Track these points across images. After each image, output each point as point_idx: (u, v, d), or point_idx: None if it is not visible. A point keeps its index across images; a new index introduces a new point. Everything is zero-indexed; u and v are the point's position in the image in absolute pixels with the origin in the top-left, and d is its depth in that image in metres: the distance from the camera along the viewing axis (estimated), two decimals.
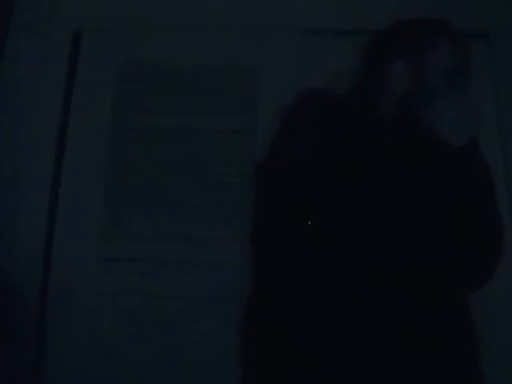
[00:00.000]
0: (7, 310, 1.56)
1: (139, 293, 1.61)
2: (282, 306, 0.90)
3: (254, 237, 1.04)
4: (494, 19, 1.78)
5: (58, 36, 1.79)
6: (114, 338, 1.59)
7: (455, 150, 0.95)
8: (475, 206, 0.95)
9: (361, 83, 1.14)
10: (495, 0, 1.79)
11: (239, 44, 1.79)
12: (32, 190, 1.66)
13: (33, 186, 1.66)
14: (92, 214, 1.67)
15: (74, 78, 1.79)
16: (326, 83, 1.21)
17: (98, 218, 1.67)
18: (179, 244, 1.65)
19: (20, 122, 1.71)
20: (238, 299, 1.11)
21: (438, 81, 1.04)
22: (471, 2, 1.80)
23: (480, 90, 1.75)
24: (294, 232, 0.91)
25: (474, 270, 0.99)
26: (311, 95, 1.05)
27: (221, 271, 1.60)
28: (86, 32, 1.82)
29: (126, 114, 1.75)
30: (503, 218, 1.04)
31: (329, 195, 0.89)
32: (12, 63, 1.76)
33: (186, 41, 1.81)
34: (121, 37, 1.82)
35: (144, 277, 1.62)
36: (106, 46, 1.81)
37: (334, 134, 0.92)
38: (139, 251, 1.64)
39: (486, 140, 1.70)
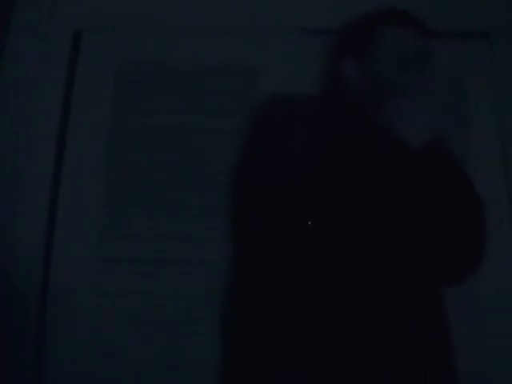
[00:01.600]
0: (7, 310, 1.56)
1: (139, 293, 1.61)
2: (272, 307, 0.89)
3: (237, 236, 1.03)
4: (494, 19, 1.78)
5: (58, 36, 1.79)
6: (113, 338, 1.59)
7: (414, 150, 0.90)
8: (452, 207, 0.92)
9: (324, 85, 1.10)
10: (495, 0, 1.79)
11: (239, 44, 1.79)
12: (32, 190, 1.66)
13: (33, 186, 1.66)
14: (92, 213, 1.67)
15: (73, 78, 1.79)
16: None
17: (98, 218, 1.67)
18: (179, 244, 1.65)
19: (20, 122, 1.71)
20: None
21: (393, 74, 0.99)
22: (471, 2, 1.80)
23: (480, 89, 1.76)
24: (287, 232, 0.90)
25: (462, 267, 0.97)
26: (280, 97, 1.03)
27: (221, 271, 1.60)
28: (85, 32, 1.82)
29: (125, 114, 1.75)
30: (487, 214, 1.01)
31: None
32: (12, 63, 1.76)
33: (186, 41, 1.81)
34: (121, 37, 1.82)
35: (144, 277, 1.62)
36: (106, 45, 1.81)
37: (331, 135, 0.91)
38: (139, 251, 1.64)
39: (486, 140, 1.72)
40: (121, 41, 1.82)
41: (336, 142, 0.90)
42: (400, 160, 0.89)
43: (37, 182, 1.67)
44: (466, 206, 0.93)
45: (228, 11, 1.80)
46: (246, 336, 0.92)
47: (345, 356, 0.85)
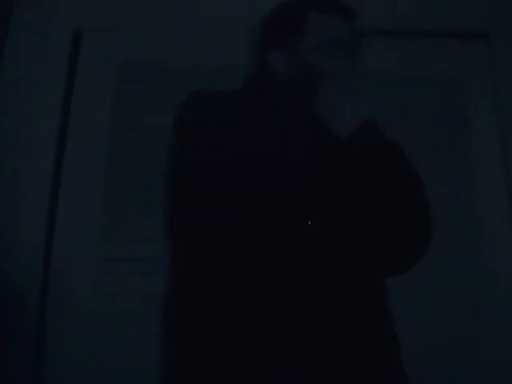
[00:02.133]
0: (7, 310, 1.56)
1: (139, 293, 1.61)
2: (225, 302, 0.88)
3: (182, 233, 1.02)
4: (494, 19, 1.78)
5: (58, 36, 1.79)
6: (113, 338, 1.59)
7: (344, 140, 0.88)
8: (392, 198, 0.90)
9: (252, 77, 1.07)
10: (495, 0, 1.79)
11: (239, 44, 1.79)
12: (32, 190, 1.66)
13: (33, 186, 1.66)
14: (92, 213, 1.67)
15: (74, 78, 1.79)
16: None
17: (98, 217, 1.67)
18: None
19: (20, 122, 1.71)
20: None
21: (322, 62, 0.96)
22: (471, 2, 1.80)
23: (480, 90, 1.76)
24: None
25: (401, 256, 0.95)
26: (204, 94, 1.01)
27: None
28: (85, 32, 1.82)
29: (125, 114, 1.75)
30: (430, 204, 0.99)
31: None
32: (12, 63, 1.76)
33: (186, 41, 1.81)
34: (121, 37, 1.82)
35: (144, 277, 1.62)
36: (106, 45, 1.81)
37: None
38: (139, 251, 1.64)
39: (486, 140, 1.72)
40: (121, 41, 1.82)
41: (266, 136, 0.89)
42: (330, 151, 0.88)
43: (37, 182, 1.67)
44: (404, 193, 0.91)
45: (228, 11, 1.80)
46: (190, 332, 0.91)
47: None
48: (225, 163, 0.88)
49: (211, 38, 1.80)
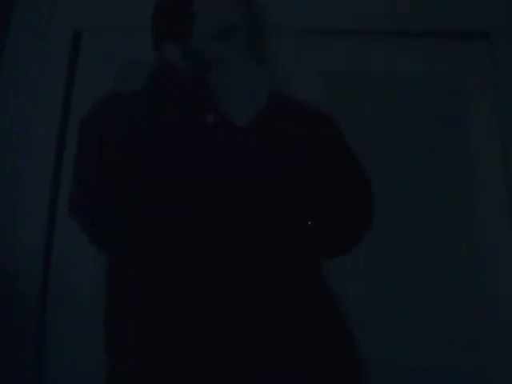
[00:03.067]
0: (7, 310, 1.56)
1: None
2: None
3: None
4: (494, 19, 1.78)
5: (58, 36, 1.79)
6: None
7: (239, 126, 0.88)
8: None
9: (151, 73, 1.06)
10: (495, 0, 1.79)
11: None
12: (32, 190, 1.66)
13: (33, 186, 1.66)
14: None
15: (74, 78, 1.78)
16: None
17: None
18: None
19: (20, 122, 1.71)
20: None
21: (214, 50, 0.95)
22: (471, 2, 1.79)
23: (480, 90, 1.76)
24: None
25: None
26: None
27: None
28: (85, 32, 1.82)
29: None
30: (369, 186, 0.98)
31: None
32: (12, 63, 1.76)
33: None
34: (121, 37, 1.82)
35: None
36: (106, 45, 1.81)
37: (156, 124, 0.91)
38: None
39: (486, 140, 1.72)
40: (121, 41, 1.82)
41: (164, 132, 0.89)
42: (227, 137, 0.88)
43: (37, 182, 1.67)
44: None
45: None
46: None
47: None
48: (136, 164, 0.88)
49: None
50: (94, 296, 1.61)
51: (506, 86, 1.73)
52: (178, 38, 0.98)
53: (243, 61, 0.96)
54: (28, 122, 1.71)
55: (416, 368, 1.49)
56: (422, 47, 1.79)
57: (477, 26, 1.79)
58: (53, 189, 1.68)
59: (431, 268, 1.59)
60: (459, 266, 1.61)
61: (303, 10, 1.79)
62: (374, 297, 1.59)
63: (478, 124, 1.73)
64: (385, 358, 1.46)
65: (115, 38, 1.82)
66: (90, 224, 1.00)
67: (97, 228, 0.99)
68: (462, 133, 1.73)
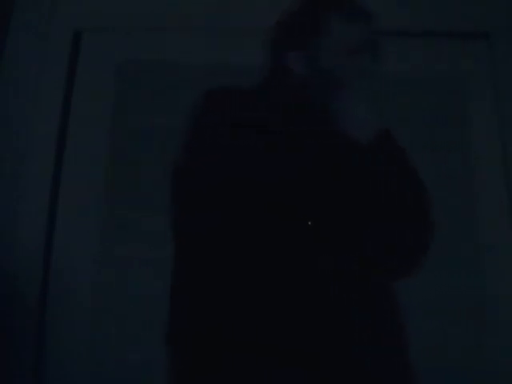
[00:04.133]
0: (7, 310, 1.56)
1: (139, 293, 1.61)
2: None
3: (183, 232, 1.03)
4: (494, 19, 1.78)
5: (58, 36, 1.79)
6: (113, 338, 1.59)
7: (360, 145, 0.89)
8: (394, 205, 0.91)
9: (267, 78, 1.07)
10: (495, 0, 1.79)
11: (239, 44, 1.79)
12: (32, 189, 1.66)
13: (33, 186, 1.66)
14: (92, 213, 1.67)
15: (74, 78, 1.79)
16: None
17: (98, 217, 1.67)
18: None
19: (20, 122, 1.71)
20: None
21: (339, 65, 0.96)
22: (471, 2, 1.79)
23: (480, 90, 1.76)
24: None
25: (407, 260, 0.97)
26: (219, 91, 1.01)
27: None
28: (85, 32, 1.82)
29: (126, 114, 1.75)
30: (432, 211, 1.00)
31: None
32: (12, 63, 1.76)
33: (186, 41, 1.81)
34: (121, 37, 1.82)
35: (144, 277, 1.62)
36: (106, 45, 1.81)
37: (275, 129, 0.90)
38: (139, 251, 1.64)
39: (486, 140, 1.72)
40: (121, 41, 1.82)
41: (283, 137, 0.89)
42: (347, 155, 0.89)
43: (37, 181, 1.67)
44: (413, 199, 0.93)
45: (228, 11, 1.80)
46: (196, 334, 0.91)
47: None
48: (231, 163, 0.89)
49: (211, 38, 1.80)
50: (94, 296, 1.62)
51: (506, 86, 1.73)
52: (304, 49, 0.99)
53: (367, 80, 0.98)
54: (28, 121, 1.71)
55: (415, 368, 1.48)
56: (421, 47, 1.79)
57: (477, 25, 1.79)
58: (53, 189, 1.68)
59: (431, 268, 1.59)
60: (459, 265, 1.61)
61: None
62: None
63: (478, 124, 1.73)
64: None
65: (115, 37, 1.82)
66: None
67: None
68: (461, 133, 1.73)
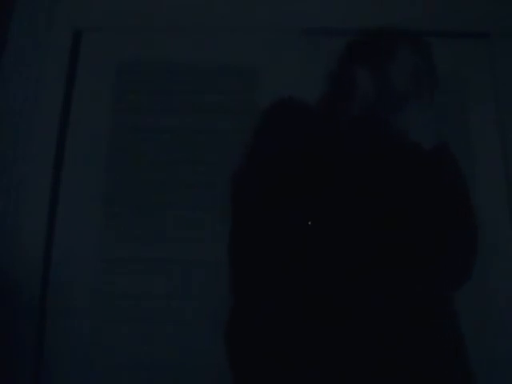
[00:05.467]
0: (7, 310, 1.56)
1: (139, 293, 1.61)
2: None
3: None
4: (494, 19, 1.78)
5: (58, 36, 1.79)
6: (113, 338, 1.59)
7: (426, 153, 0.95)
8: (449, 210, 0.95)
9: (332, 90, 1.13)
10: (495, 0, 1.79)
11: (239, 44, 1.79)
12: (32, 189, 1.66)
13: (33, 186, 1.66)
14: (92, 214, 1.67)
15: (74, 78, 1.79)
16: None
17: (98, 217, 1.67)
18: (179, 244, 1.65)
19: (20, 122, 1.71)
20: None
21: (403, 86, 1.04)
22: (471, 2, 1.80)
23: (480, 89, 1.76)
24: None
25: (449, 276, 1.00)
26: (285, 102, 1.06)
27: (221, 271, 1.60)
28: (85, 32, 1.82)
29: (125, 114, 1.75)
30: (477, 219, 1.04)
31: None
32: (12, 63, 1.76)
33: (186, 41, 1.81)
34: (121, 37, 1.82)
35: (144, 277, 1.62)
36: (106, 45, 1.81)
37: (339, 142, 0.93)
38: (139, 251, 1.64)
39: (486, 140, 1.72)
40: (121, 41, 1.82)
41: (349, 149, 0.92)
42: (414, 164, 0.92)
43: (37, 181, 1.67)
44: (460, 215, 0.97)
45: (228, 11, 1.80)
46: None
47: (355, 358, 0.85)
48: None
49: (211, 38, 1.80)
50: (94, 296, 1.62)
51: (506, 86, 1.73)
52: (372, 67, 1.07)
53: (426, 105, 1.09)
54: (28, 122, 1.71)
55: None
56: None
57: (477, 26, 1.79)
58: (53, 189, 1.68)
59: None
60: None
61: (303, 10, 1.80)
62: None
63: (478, 124, 1.73)
64: None
65: (115, 37, 1.82)
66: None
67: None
68: (461, 133, 1.73)
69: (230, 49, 1.78)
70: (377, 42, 1.09)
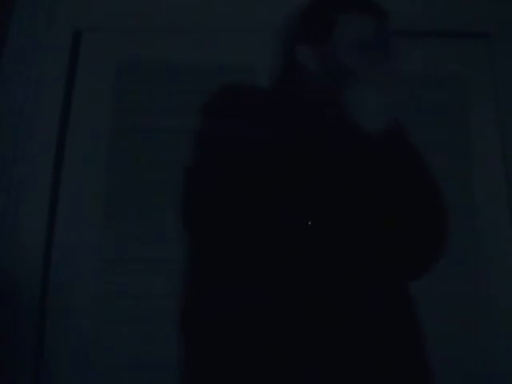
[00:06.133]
0: (7, 310, 1.56)
1: (139, 293, 1.61)
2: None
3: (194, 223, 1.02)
4: (494, 19, 1.78)
5: (58, 36, 1.79)
6: (114, 338, 1.59)
7: (373, 138, 0.88)
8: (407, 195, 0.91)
9: (278, 73, 1.08)
10: (495, 0, 1.79)
11: (239, 44, 1.79)
12: (32, 189, 1.66)
13: (33, 186, 1.66)
14: (92, 213, 1.67)
15: (74, 78, 1.79)
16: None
17: (98, 217, 1.67)
18: (179, 244, 1.64)
19: (20, 122, 1.71)
20: None
21: (351, 61, 0.96)
22: (471, 2, 1.80)
23: (480, 89, 1.76)
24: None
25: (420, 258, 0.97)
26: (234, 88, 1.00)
27: None
28: (85, 32, 1.82)
29: (125, 114, 1.75)
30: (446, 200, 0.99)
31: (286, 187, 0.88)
32: (12, 63, 1.76)
33: (186, 41, 1.81)
34: (121, 37, 1.82)
35: (144, 277, 1.62)
36: (106, 45, 1.81)
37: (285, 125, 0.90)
38: (139, 251, 1.64)
39: (486, 140, 1.72)
40: (121, 41, 1.82)
41: (291, 131, 0.88)
42: (358, 149, 0.88)
43: (37, 181, 1.67)
44: (425, 197, 0.93)
45: (228, 11, 1.80)
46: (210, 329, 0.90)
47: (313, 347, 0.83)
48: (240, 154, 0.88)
49: (211, 37, 1.80)
50: (94, 296, 1.62)
51: (506, 86, 1.73)
52: (316, 46, 1.00)
53: (378, 76, 0.97)
54: (28, 121, 1.71)
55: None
56: (422, 47, 1.79)
57: (477, 26, 1.79)
58: (53, 189, 1.68)
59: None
60: (459, 265, 1.61)
61: None
62: None
63: (478, 124, 1.73)
64: None
65: (115, 37, 1.82)
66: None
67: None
68: (461, 133, 1.73)
69: (230, 49, 1.78)
70: (318, 16, 1.02)
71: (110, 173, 1.70)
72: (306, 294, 0.84)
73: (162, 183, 1.69)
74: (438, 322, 1.57)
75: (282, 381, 0.81)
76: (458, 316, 1.58)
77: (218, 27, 1.81)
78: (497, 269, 1.62)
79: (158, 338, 1.58)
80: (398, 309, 0.92)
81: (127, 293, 1.62)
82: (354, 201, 0.87)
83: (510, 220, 1.65)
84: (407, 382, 0.88)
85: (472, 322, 1.58)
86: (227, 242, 0.91)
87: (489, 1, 1.79)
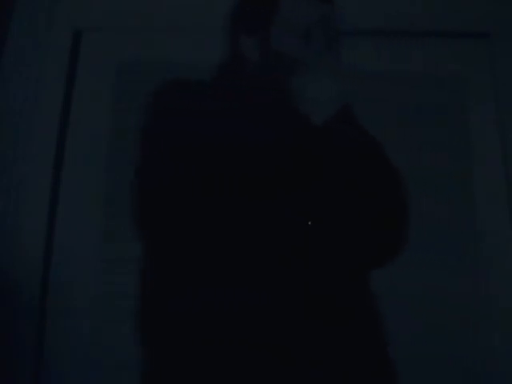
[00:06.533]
0: (7, 310, 1.56)
1: (139, 293, 1.61)
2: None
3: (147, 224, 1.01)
4: (494, 19, 1.78)
5: (58, 36, 1.79)
6: (114, 338, 1.58)
7: (320, 126, 0.86)
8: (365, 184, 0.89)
9: (223, 64, 1.06)
10: (495, 0, 1.79)
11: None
12: (32, 190, 1.66)
13: (33, 186, 1.66)
14: (92, 214, 1.67)
15: (74, 78, 1.79)
16: None
17: (99, 218, 1.67)
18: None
19: (20, 122, 1.71)
20: None
21: (294, 47, 0.94)
22: (471, 2, 1.80)
23: (480, 89, 1.76)
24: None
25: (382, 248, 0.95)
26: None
27: None
28: (85, 32, 1.82)
29: (126, 114, 1.75)
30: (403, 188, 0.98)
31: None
32: (12, 63, 1.76)
33: (186, 41, 1.81)
34: (121, 37, 1.82)
35: None
36: (106, 45, 1.81)
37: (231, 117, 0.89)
38: (139, 251, 1.64)
39: (486, 140, 1.72)
40: (121, 41, 1.82)
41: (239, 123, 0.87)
42: (305, 137, 0.87)
43: (37, 182, 1.67)
44: (381, 184, 0.91)
45: (228, 11, 1.80)
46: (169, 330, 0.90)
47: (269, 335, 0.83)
48: (193, 151, 0.88)
49: (211, 37, 1.80)
50: (94, 296, 1.62)
51: (506, 86, 1.73)
52: (258, 35, 0.98)
53: (321, 65, 0.94)
54: (28, 121, 1.71)
55: (414, 367, 1.48)
56: (422, 47, 1.79)
57: (477, 26, 1.79)
58: (53, 189, 1.68)
59: (430, 268, 1.59)
60: (459, 265, 1.61)
61: None
62: None
63: (478, 124, 1.73)
64: None
65: (115, 37, 1.82)
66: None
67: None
68: (461, 133, 1.73)
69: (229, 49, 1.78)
70: (260, 3, 1.00)
71: (110, 173, 1.70)
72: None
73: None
74: (437, 322, 1.57)
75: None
76: (458, 316, 1.58)
77: (218, 27, 1.81)
78: (497, 269, 1.62)
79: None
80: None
81: (127, 293, 1.62)
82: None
83: (510, 220, 1.65)
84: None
85: (472, 322, 1.58)
86: (195, 241, 0.90)
87: (489, 1, 1.79)
